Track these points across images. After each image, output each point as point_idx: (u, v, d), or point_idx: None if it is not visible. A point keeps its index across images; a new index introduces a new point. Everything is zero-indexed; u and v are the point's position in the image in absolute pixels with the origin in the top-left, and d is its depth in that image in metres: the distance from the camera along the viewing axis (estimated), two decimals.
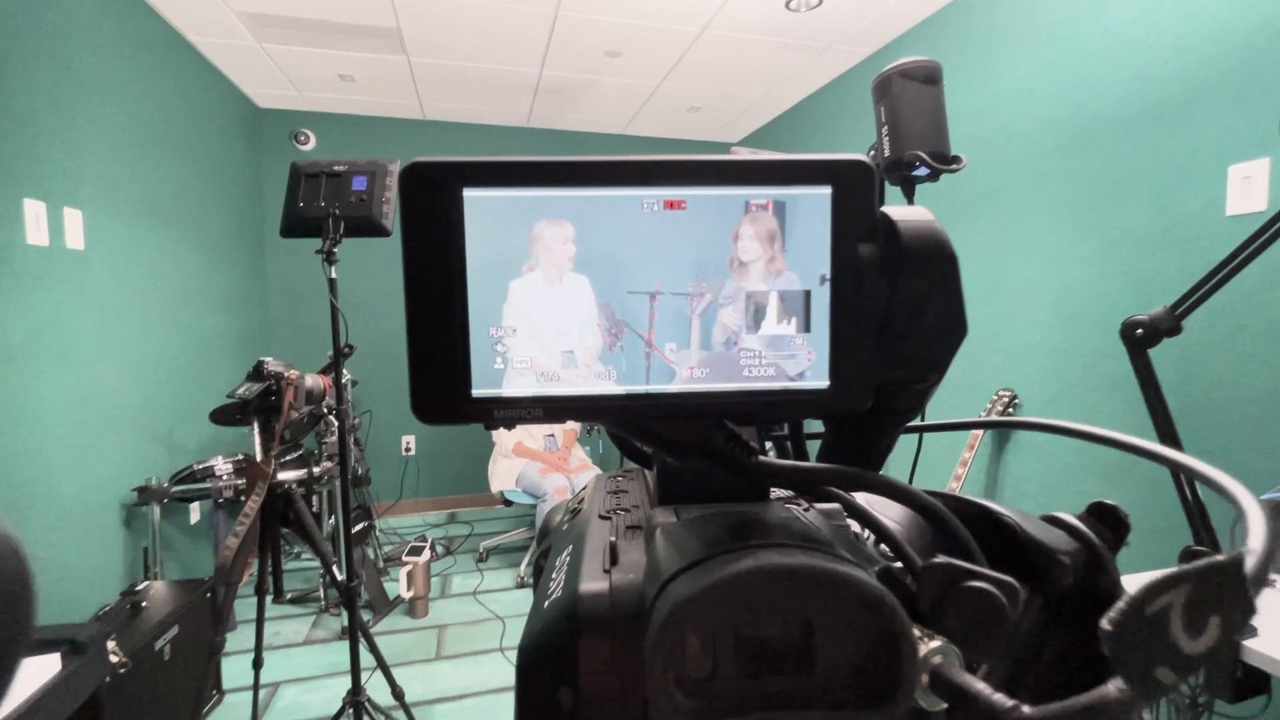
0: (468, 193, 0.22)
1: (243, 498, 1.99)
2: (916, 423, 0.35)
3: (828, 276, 0.24)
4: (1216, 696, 1.16)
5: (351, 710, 1.56)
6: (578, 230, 0.23)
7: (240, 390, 1.66)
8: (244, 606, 2.60)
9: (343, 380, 1.89)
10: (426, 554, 2.85)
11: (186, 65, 2.87)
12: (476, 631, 2.68)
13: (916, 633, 0.20)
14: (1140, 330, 1.18)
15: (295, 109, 3.87)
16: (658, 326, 0.24)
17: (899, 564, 0.23)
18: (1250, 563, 0.16)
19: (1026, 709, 0.16)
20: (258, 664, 1.89)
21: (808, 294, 0.24)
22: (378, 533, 3.42)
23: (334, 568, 1.65)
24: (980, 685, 0.18)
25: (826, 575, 0.19)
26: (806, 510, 0.31)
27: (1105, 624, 0.15)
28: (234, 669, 2.22)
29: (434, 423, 0.23)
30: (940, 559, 0.20)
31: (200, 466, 2.43)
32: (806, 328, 0.24)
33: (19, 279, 1.83)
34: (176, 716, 1.80)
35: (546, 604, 0.25)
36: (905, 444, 0.44)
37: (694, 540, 0.22)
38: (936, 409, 0.97)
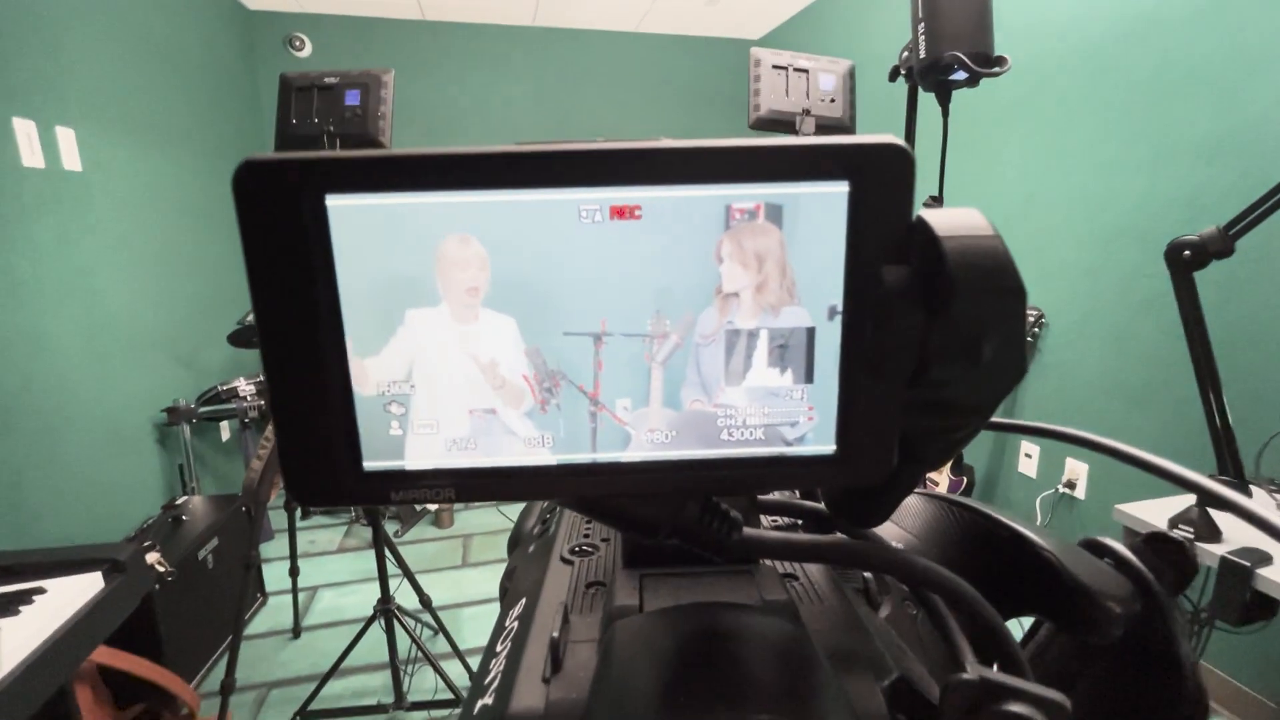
0: (332, 201, 0.17)
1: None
2: None
3: (839, 309, 0.18)
4: (1222, 619, 1.17)
5: (383, 618, 1.67)
6: (492, 250, 0.17)
7: (248, 317, 1.65)
8: (281, 516, 2.76)
9: None
10: None
11: None
12: (500, 540, 2.81)
13: None
14: (1188, 252, 1.09)
15: (287, 10, 3.63)
16: (606, 378, 0.19)
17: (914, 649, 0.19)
18: None
19: None
20: (294, 573, 2.02)
21: (811, 332, 0.18)
22: None
23: None
24: None
25: None
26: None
27: None
28: (276, 574, 2.37)
29: (315, 505, 0.19)
30: (972, 671, 0.15)
31: (224, 388, 2.49)
32: (808, 378, 0.19)
33: (21, 204, 1.80)
34: (222, 618, 1.95)
35: (477, 708, 0.21)
36: None
37: (647, 677, 0.18)
38: None
